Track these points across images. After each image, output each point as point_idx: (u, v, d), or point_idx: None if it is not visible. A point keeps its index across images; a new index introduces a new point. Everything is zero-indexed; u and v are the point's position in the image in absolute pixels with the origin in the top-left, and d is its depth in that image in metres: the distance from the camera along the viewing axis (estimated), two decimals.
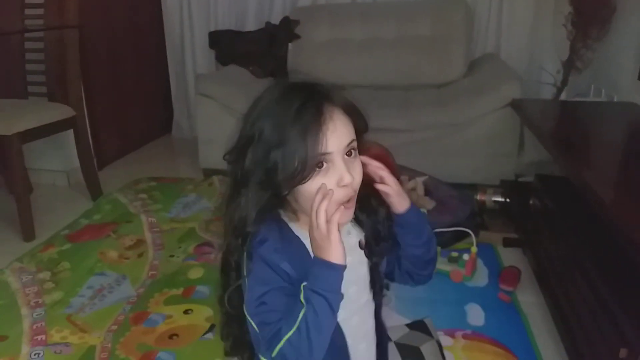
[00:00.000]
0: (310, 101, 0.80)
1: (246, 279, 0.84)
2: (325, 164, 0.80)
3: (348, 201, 0.81)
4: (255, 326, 0.81)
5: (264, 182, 0.82)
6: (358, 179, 0.82)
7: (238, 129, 0.87)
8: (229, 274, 0.88)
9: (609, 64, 2.41)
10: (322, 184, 0.78)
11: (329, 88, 0.84)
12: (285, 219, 0.87)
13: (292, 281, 0.81)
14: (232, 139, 0.88)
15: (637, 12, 2.19)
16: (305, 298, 0.77)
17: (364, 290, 0.93)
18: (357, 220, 0.92)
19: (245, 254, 0.85)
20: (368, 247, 0.91)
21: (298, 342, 0.76)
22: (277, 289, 0.81)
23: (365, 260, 0.91)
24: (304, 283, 0.78)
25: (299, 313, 0.76)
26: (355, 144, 0.83)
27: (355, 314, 0.91)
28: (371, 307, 0.95)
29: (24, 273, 1.82)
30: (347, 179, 0.79)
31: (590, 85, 2.48)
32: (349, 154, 0.82)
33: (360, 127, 0.86)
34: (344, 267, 0.78)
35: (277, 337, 0.77)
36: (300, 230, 0.86)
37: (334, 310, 0.77)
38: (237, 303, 0.88)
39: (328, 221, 0.76)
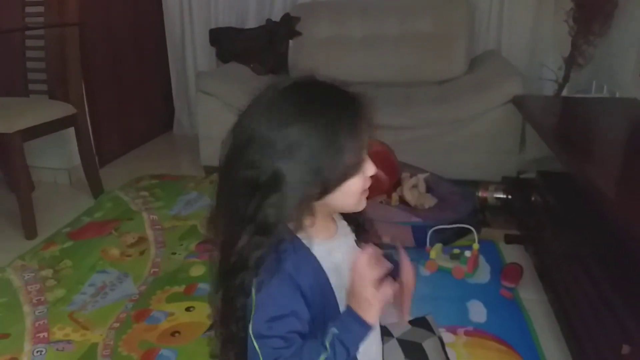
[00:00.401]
0: (348, 99, 0.80)
1: (256, 293, 0.78)
2: None
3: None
4: (258, 350, 0.76)
5: (310, 181, 0.77)
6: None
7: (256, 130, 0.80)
8: (238, 273, 0.80)
9: (610, 60, 2.40)
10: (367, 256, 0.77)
11: (356, 92, 0.83)
12: (295, 233, 0.82)
13: (308, 302, 0.79)
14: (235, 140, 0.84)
15: (638, 7, 2.18)
16: (330, 344, 0.76)
17: None
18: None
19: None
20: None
21: None
22: (294, 314, 0.77)
23: None
24: (333, 329, 0.76)
25: (319, 356, 0.75)
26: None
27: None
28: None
29: (26, 271, 1.82)
30: (372, 170, 0.81)
31: (592, 81, 2.48)
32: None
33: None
34: (373, 327, 0.79)
35: None
36: (306, 240, 0.82)
37: None
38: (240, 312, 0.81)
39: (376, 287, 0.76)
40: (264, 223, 0.77)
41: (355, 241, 0.92)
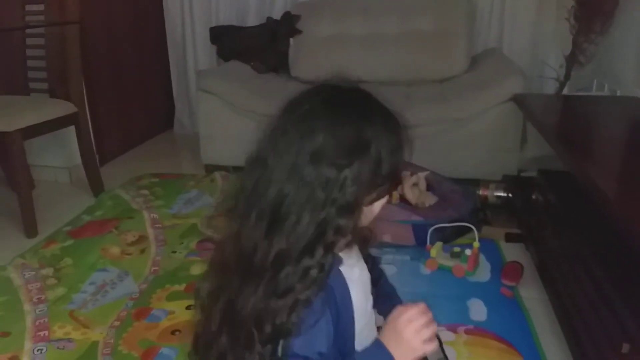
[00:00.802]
0: (400, 123, 0.81)
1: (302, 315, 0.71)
2: None
3: None
4: None
5: (371, 182, 0.73)
6: None
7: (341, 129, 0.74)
8: (301, 259, 0.70)
9: (612, 58, 2.40)
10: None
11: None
12: None
13: (338, 315, 0.76)
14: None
15: None
16: None
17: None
18: None
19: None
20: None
21: None
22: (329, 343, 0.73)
23: (367, 270, 0.90)
24: None
25: None
26: None
27: (369, 324, 0.90)
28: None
29: (26, 269, 1.82)
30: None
31: (593, 79, 2.48)
32: None
33: None
34: None
35: None
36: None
37: None
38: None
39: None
40: (346, 203, 0.70)
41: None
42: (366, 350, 0.77)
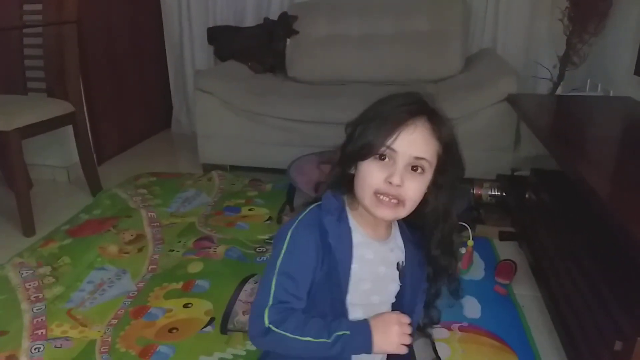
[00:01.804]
0: (412, 105, 0.88)
1: (289, 229, 0.90)
2: (387, 159, 0.86)
3: (395, 202, 0.86)
4: (274, 283, 0.87)
5: (341, 156, 0.92)
6: (410, 193, 0.87)
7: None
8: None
9: (605, 58, 2.42)
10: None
11: (438, 110, 0.90)
12: (347, 207, 0.94)
13: (321, 262, 0.89)
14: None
15: (633, 6, 2.20)
16: (335, 337, 0.85)
17: (386, 303, 0.99)
18: (408, 241, 0.99)
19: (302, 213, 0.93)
20: (404, 272, 0.97)
21: (293, 346, 0.85)
22: (310, 270, 0.88)
23: (397, 280, 0.97)
24: (347, 331, 0.86)
25: (318, 337, 0.85)
26: (425, 165, 0.87)
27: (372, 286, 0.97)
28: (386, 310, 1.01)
29: (24, 268, 1.83)
30: (395, 179, 0.85)
31: (587, 79, 2.50)
32: (414, 168, 0.87)
33: (449, 163, 0.91)
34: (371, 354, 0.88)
35: (283, 323, 0.85)
36: (354, 221, 0.93)
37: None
38: None
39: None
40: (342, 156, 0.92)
41: (398, 263, 0.97)
42: (355, 322, 0.88)
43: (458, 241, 1.00)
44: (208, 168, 2.73)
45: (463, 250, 1.77)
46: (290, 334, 0.84)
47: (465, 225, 1.84)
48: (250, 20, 3.16)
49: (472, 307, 1.59)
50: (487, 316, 1.55)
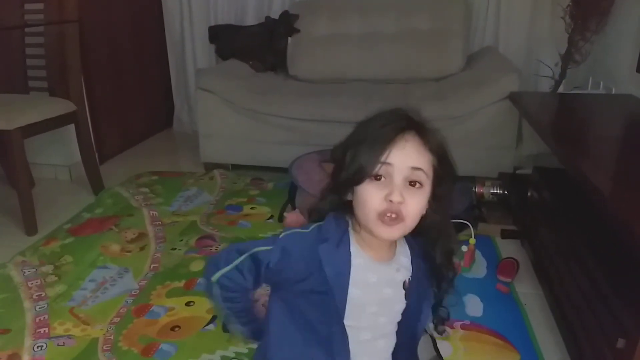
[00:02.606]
0: (399, 121, 0.87)
1: (283, 233, 0.94)
2: (384, 178, 0.85)
3: (395, 218, 0.85)
4: (245, 256, 0.94)
5: (334, 184, 0.92)
6: (411, 208, 0.86)
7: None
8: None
9: (607, 56, 2.42)
10: None
11: (425, 123, 0.90)
12: (350, 230, 0.93)
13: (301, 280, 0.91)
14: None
15: (635, 4, 2.19)
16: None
17: (393, 322, 1.00)
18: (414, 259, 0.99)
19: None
20: (409, 290, 0.98)
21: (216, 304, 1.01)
22: (281, 278, 0.93)
23: (403, 299, 0.98)
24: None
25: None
26: (422, 176, 0.86)
27: (381, 338, 1.00)
28: (394, 334, 1.02)
29: (26, 266, 1.83)
30: (395, 197, 0.83)
31: (589, 77, 2.49)
32: (412, 183, 0.86)
33: (443, 173, 0.90)
34: None
35: (228, 291, 0.98)
36: (356, 245, 0.93)
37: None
38: None
39: None
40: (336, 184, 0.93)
41: (404, 282, 0.97)
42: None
43: (456, 249, 1.01)
44: (209, 167, 2.74)
45: (465, 249, 1.77)
46: (220, 301, 0.99)
47: (467, 224, 1.84)
48: (251, 19, 3.16)
49: (474, 305, 1.59)
50: (489, 314, 1.55)
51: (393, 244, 0.97)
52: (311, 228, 0.93)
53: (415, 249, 1.00)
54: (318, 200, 0.97)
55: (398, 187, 0.84)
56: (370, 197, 0.85)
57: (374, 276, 0.93)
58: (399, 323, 1.01)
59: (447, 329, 1.42)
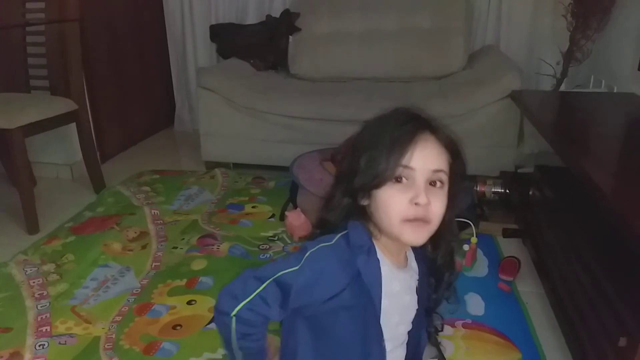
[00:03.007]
0: (412, 121, 0.85)
1: (309, 251, 0.86)
2: (405, 180, 0.82)
3: (421, 222, 0.82)
4: (265, 285, 0.84)
5: (347, 188, 0.87)
6: (436, 210, 0.83)
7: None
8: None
9: (608, 54, 2.41)
10: None
11: (434, 121, 0.88)
12: (373, 239, 0.90)
13: (360, 292, 0.86)
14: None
15: (637, 2, 2.19)
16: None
17: (407, 330, 0.98)
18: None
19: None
20: (420, 295, 0.97)
21: (226, 340, 0.88)
22: (311, 299, 0.85)
23: (416, 305, 0.97)
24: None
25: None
26: (443, 177, 0.84)
27: (399, 348, 0.98)
28: (406, 339, 1.01)
29: (28, 265, 1.83)
30: (421, 199, 0.81)
31: (590, 76, 2.49)
32: (433, 183, 0.84)
33: (458, 169, 0.88)
34: None
35: (246, 325, 0.85)
36: (380, 252, 0.89)
37: None
38: None
39: None
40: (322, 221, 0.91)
41: (416, 288, 0.96)
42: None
43: (458, 248, 0.99)
44: (211, 165, 2.73)
45: (466, 248, 1.77)
46: (237, 339, 0.85)
47: (468, 222, 1.84)
48: (252, 18, 3.16)
49: (475, 304, 1.59)
50: (491, 313, 1.55)
51: (406, 247, 0.95)
52: (335, 239, 0.87)
53: (418, 250, 0.98)
54: (325, 209, 0.91)
55: (422, 188, 0.81)
56: (393, 200, 0.82)
57: (397, 284, 0.90)
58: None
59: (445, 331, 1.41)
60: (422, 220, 0.82)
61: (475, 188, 2.16)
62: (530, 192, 1.91)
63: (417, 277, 0.96)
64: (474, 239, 1.80)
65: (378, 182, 0.82)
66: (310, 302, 0.85)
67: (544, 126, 1.73)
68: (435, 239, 0.92)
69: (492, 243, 1.95)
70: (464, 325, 1.49)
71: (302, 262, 0.84)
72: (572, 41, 2.53)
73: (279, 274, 0.84)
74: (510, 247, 1.91)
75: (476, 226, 1.87)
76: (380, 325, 0.88)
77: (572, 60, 2.56)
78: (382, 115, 0.88)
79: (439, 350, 1.30)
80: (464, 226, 1.88)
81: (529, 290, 1.67)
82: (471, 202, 2.05)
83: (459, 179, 0.89)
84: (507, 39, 2.90)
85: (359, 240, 0.86)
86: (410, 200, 0.81)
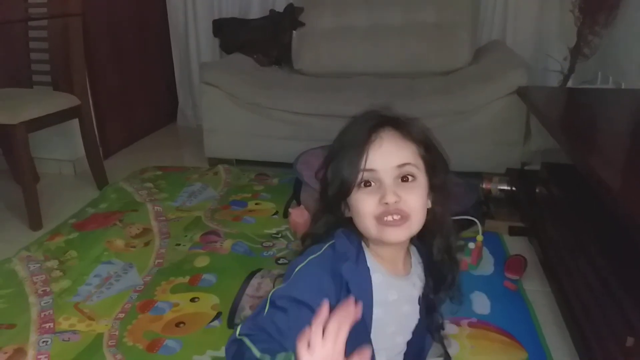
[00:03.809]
0: (370, 122, 0.83)
1: (298, 266, 0.83)
2: (373, 183, 0.81)
3: (399, 219, 0.80)
4: (267, 307, 0.79)
5: (324, 203, 0.87)
6: (412, 203, 0.81)
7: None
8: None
9: (616, 50, 2.39)
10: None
11: (398, 117, 0.86)
12: (363, 245, 0.88)
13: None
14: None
15: None
16: None
17: (405, 341, 0.96)
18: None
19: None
20: (424, 302, 0.95)
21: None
22: (309, 313, 0.75)
23: (418, 314, 0.94)
24: None
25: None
26: (411, 169, 0.82)
27: (394, 358, 0.96)
28: (404, 349, 0.99)
29: (31, 262, 1.83)
30: (389, 198, 0.79)
31: (598, 72, 2.47)
32: (405, 179, 0.82)
33: (433, 160, 0.86)
34: None
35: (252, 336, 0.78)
36: (372, 260, 0.87)
37: None
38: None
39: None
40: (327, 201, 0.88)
41: (419, 297, 0.94)
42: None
43: (456, 245, 0.95)
44: (214, 162, 2.72)
45: (472, 246, 1.76)
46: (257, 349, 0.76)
47: (474, 220, 1.83)
48: (255, 12, 3.14)
49: (481, 303, 1.58)
50: (497, 312, 1.54)
51: (407, 255, 0.93)
52: (323, 250, 0.86)
53: (423, 253, 0.96)
54: (312, 224, 0.92)
55: (390, 187, 0.80)
56: (363, 204, 0.81)
57: (394, 293, 0.88)
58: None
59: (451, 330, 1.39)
60: (400, 217, 0.80)
61: (481, 185, 2.15)
62: (537, 190, 1.90)
63: (422, 285, 0.94)
64: (479, 237, 1.78)
65: (345, 190, 0.82)
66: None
67: (550, 123, 1.72)
68: (426, 236, 0.90)
69: (498, 241, 1.94)
70: (470, 324, 1.48)
71: (291, 278, 0.83)
72: (580, 37, 2.50)
73: (270, 293, 0.82)
74: (516, 245, 1.90)
75: (482, 224, 1.85)
76: (369, 334, 0.86)
77: (579, 56, 2.53)
78: (351, 120, 0.87)
79: (444, 349, 1.29)
80: (469, 224, 1.87)
81: (535, 289, 1.65)
82: (477, 200, 2.03)
83: (438, 170, 0.87)
84: (513, 34, 2.87)
85: (343, 248, 0.85)
86: (380, 201, 0.80)
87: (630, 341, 1.05)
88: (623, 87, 2.22)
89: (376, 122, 0.83)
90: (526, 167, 2.32)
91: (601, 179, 1.20)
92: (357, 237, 0.87)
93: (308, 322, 0.75)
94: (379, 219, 0.81)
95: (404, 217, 0.81)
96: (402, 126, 0.84)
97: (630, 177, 1.30)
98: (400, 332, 0.93)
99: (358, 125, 0.84)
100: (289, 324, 0.77)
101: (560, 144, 1.55)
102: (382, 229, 0.81)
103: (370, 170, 0.80)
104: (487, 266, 1.77)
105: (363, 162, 0.80)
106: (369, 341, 0.86)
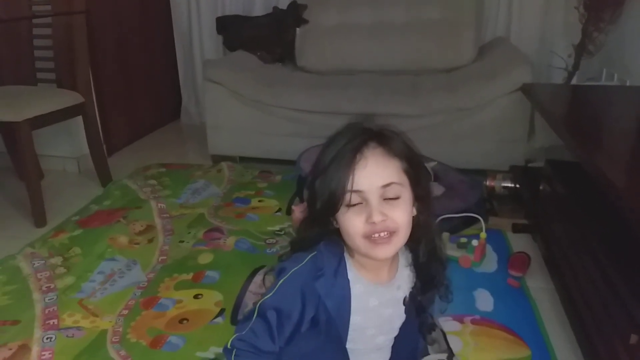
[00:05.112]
0: (355, 139, 0.85)
1: (282, 276, 0.90)
2: (360, 202, 0.83)
3: (387, 236, 0.84)
4: (255, 315, 0.89)
5: (310, 215, 0.90)
6: (399, 219, 0.84)
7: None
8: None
9: (621, 47, 2.37)
10: None
11: (383, 131, 0.87)
12: (346, 255, 0.91)
13: (326, 315, 0.89)
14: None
15: None
16: None
17: (390, 338, 1.00)
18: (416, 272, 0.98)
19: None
20: (410, 304, 0.97)
21: None
22: (290, 322, 0.88)
23: (403, 314, 0.97)
24: None
25: None
26: (396, 188, 0.84)
27: (374, 352, 0.99)
28: (389, 347, 1.02)
29: (35, 258, 1.84)
30: (375, 217, 0.82)
31: (603, 69, 2.45)
32: (389, 198, 0.84)
33: (416, 173, 0.88)
34: None
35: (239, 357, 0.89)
36: (353, 270, 0.91)
37: None
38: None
39: None
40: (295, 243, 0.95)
41: (404, 298, 0.96)
42: None
43: (441, 246, 0.97)
44: (217, 159, 2.73)
45: (475, 243, 1.76)
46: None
47: (478, 217, 1.82)
48: (259, 10, 3.14)
49: (484, 300, 1.57)
50: (500, 309, 1.54)
51: (395, 259, 0.95)
52: (305, 260, 0.90)
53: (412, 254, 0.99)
54: (301, 231, 0.94)
55: (376, 208, 0.82)
56: (351, 223, 0.84)
57: (375, 300, 0.92)
58: (398, 336, 1.00)
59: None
60: (386, 233, 0.83)
61: (484, 182, 2.14)
62: (541, 187, 1.89)
63: (409, 286, 0.96)
64: (483, 234, 1.78)
65: (332, 207, 0.84)
66: (294, 329, 0.88)
67: (555, 120, 1.71)
68: (412, 241, 0.93)
69: (502, 238, 1.93)
70: (473, 321, 1.48)
71: (275, 289, 0.89)
72: (585, 33, 2.49)
73: (258, 304, 0.89)
74: (520, 243, 1.89)
75: (485, 221, 1.85)
76: (343, 341, 0.91)
77: (584, 53, 2.52)
78: (335, 134, 0.89)
79: (448, 346, 1.29)
80: (473, 221, 1.87)
81: (539, 286, 1.65)
82: (481, 197, 2.03)
83: (421, 181, 0.89)
84: (518, 31, 2.86)
85: (322, 263, 0.89)
86: (367, 220, 0.83)
87: (634, 339, 1.05)
88: (628, 84, 2.20)
89: (360, 141, 0.84)
90: (530, 165, 2.31)
91: (605, 176, 1.19)
92: (340, 249, 0.90)
93: (290, 331, 0.87)
94: (368, 237, 0.84)
95: (392, 234, 0.84)
96: (385, 142, 0.85)
97: (634, 175, 1.29)
98: (382, 332, 0.96)
99: (342, 142, 0.85)
100: (272, 333, 0.87)
101: (564, 141, 1.55)
102: (371, 247, 0.84)
103: (357, 191, 0.82)
104: (490, 263, 1.77)
105: (350, 184, 0.82)
106: (342, 345, 0.92)
